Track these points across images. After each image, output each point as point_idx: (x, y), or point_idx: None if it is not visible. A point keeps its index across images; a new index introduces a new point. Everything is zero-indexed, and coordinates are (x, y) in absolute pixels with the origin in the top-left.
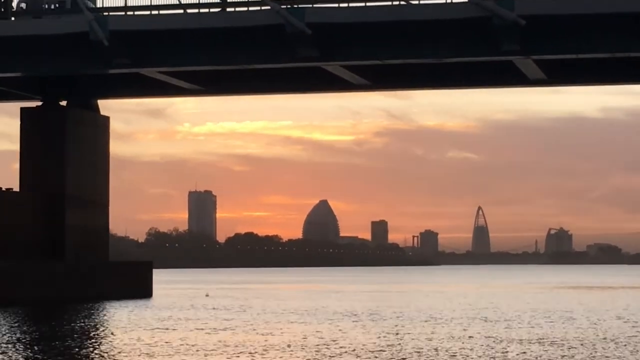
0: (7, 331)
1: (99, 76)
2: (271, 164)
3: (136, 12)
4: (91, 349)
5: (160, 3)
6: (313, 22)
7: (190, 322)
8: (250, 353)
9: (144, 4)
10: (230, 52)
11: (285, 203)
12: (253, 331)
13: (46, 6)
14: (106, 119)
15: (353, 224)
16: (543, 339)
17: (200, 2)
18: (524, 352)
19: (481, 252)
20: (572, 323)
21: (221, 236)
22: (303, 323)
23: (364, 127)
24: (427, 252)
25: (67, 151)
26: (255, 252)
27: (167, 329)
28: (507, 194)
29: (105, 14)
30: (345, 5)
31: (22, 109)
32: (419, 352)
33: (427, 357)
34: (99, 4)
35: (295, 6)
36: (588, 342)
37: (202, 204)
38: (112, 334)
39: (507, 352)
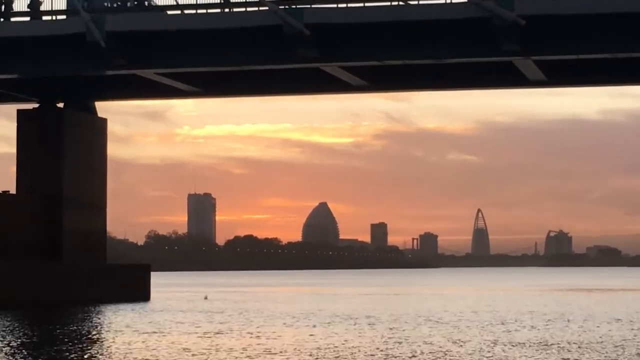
0: (0, 334)
1: (96, 78)
2: (270, 166)
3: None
4: (82, 353)
5: (158, 4)
6: (311, 22)
7: (185, 325)
8: (243, 357)
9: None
10: (228, 53)
11: (285, 206)
12: (248, 335)
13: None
14: (104, 121)
15: (352, 226)
16: (542, 342)
17: (198, 2)
18: (523, 356)
19: (481, 254)
20: (572, 326)
21: (220, 239)
22: (299, 326)
23: (363, 129)
24: (426, 255)
25: (64, 153)
26: (254, 254)
27: (162, 332)
28: (507, 196)
29: (102, 14)
30: (344, 5)
31: (18, 111)
32: (416, 356)
33: None
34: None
35: (294, 7)
36: (588, 345)
37: (201, 207)
38: (105, 337)
39: (506, 356)
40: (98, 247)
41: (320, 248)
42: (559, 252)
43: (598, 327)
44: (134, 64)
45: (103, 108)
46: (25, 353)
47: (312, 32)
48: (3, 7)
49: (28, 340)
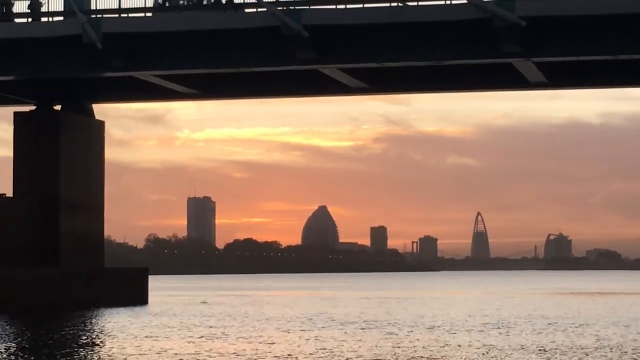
0: None
1: (93, 80)
2: (270, 170)
3: (130, 14)
4: (73, 357)
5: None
6: (310, 24)
7: (182, 330)
8: None
9: (139, 6)
10: (226, 54)
11: (285, 209)
12: (242, 339)
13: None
14: (101, 123)
15: (352, 229)
16: (543, 347)
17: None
18: None
19: (480, 257)
20: (573, 330)
21: (220, 242)
22: (297, 330)
23: (362, 133)
24: (426, 258)
25: (61, 155)
26: (254, 258)
27: (156, 337)
28: (506, 199)
29: (99, 16)
30: (343, 6)
31: (15, 113)
32: None
33: None
34: (92, 7)
35: (292, 8)
36: (589, 349)
37: (201, 210)
38: (98, 341)
39: None
40: (95, 250)
41: (320, 251)
42: (558, 256)
43: (600, 330)
44: (130, 66)
45: (103, 112)
46: (19, 358)
47: (311, 34)
48: (4, 8)
49: (22, 345)
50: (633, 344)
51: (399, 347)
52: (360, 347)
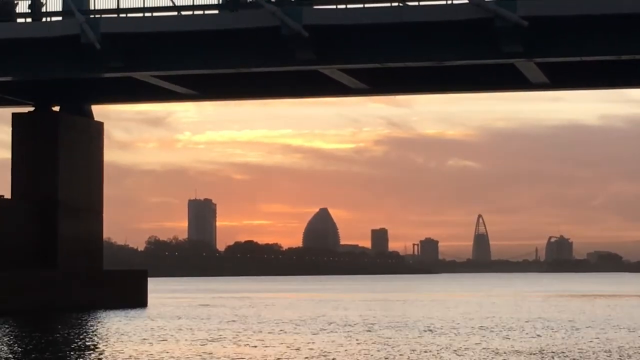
0: None
1: (92, 81)
2: (271, 172)
3: (129, 15)
4: None
5: (153, 5)
6: (310, 24)
7: (179, 332)
8: None
9: (137, 6)
10: (225, 55)
11: (285, 211)
12: (242, 342)
13: None
14: (100, 125)
15: (353, 232)
16: (544, 350)
17: (195, 4)
18: None
19: (481, 260)
20: (575, 333)
21: (221, 244)
22: (296, 333)
23: (364, 135)
24: (427, 260)
25: (60, 157)
26: (255, 260)
27: (153, 340)
28: (508, 202)
29: (97, 16)
30: (343, 6)
31: (13, 114)
32: None
33: None
34: (90, 7)
35: (292, 8)
36: (591, 352)
37: (202, 213)
38: (95, 345)
39: None
40: (94, 252)
41: (321, 254)
42: (559, 258)
43: (601, 333)
44: (129, 67)
45: (104, 114)
46: None
47: (311, 34)
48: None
49: (18, 348)
50: (635, 347)
51: (398, 350)
52: (359, 350)
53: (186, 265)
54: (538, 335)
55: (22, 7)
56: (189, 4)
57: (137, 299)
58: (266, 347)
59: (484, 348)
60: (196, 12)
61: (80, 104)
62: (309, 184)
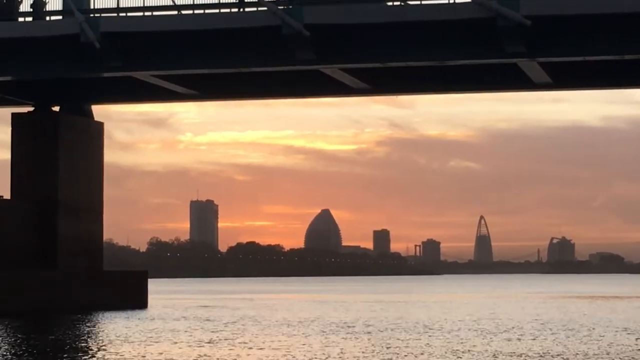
0: None
1: (92, 81)
2: (273, 173)
3: (129, 14)
4: None
5: (153, 4)
6: (311, 23)
7: (178, 334)
8: None
9: (137, 5)
10: (225, 54)
11: (287, 212)
12: (239, 344)
13: None
14: (100, 125)
15: (355, 233)
16: (546, 352)
17: (195, 3)
18: None
19: (483, 261)
20: (577, 334)
21: (223, 246)
22: (295, 335)
23: (366, 136)
24: (429, 262)
25: (59, 157)
26: (256, 261)
27: (152, 341)
28: (509, 203)
29: (97, 15)
30: (345, 5)
31: (13, 114)
32: None
33: None
34: (90, 6)
35: (293, 7)
36: (592, 354)
37: (203, 214)
38: (93, 346)
39: None
40: (94, 252)
41: (323, 255)
42: (561, 259)
43: (604, 335)
44: (129, 66)
45: (106, 115)
46: None
47: (312, 33)
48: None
49: (15, 350)
50: (636, 350)
51: (398, 352)
52: (358, 351)
53: (188, 267)
54: (540, 337)
55: (24, 6)
56: (189, 3)
57: (137, 300)
58: (265, 348)
59: (485, 350)
60: (196, 11)
61: (80, 104)
62: (311, 185)
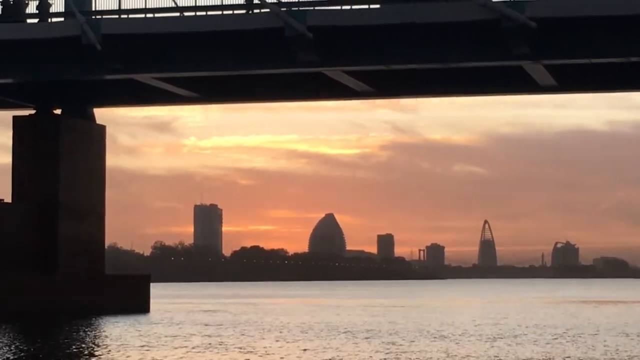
0: None
1: (94, 83)
2: (277, 177)
3: (130, 16)
4: None
5: (155, 6)
6: (314, 25)
7: (178, 339)
8: None
9: (139, 7)
10: (227, 57)
11: (291, 217)
12: (238, 349)
13: None
14: (102, 128)
15: (359, 237)
16: (551, 357)
17: (197, 4)
18: None
19: (488, 265)
20: (582, 340)
21: (227, 250)
22: (296, 340)
23: (369, 140)
24: (433, 266)
25: (61, 160)
26: (260, 265)
27: (151, 346)
28: (514, 207)
29: (99, 17)
30: (348, 7)
31: (14, 117)
32: None
33: None
34: (91, 7)
35: (296, 9)
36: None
37: (207, 218)
38: (91, 351)
39: None
40: (96, 256)
41: (327, 259)
42: (565, 264)
43: (609, 341)
44: (130, 68)
45: (111, 119)
46: None
47: (315, 35)
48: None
49: (9, 355)
50: None
51: (400, 357)
52: (360, 357)
53: (192, 271)
54: (544, 342)
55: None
56: (191, 4)
57: (139, 304)
58: (267, 354)
59: (489, 355)
60: (199, 13)
61: (81, 107)
62: (315, 190)
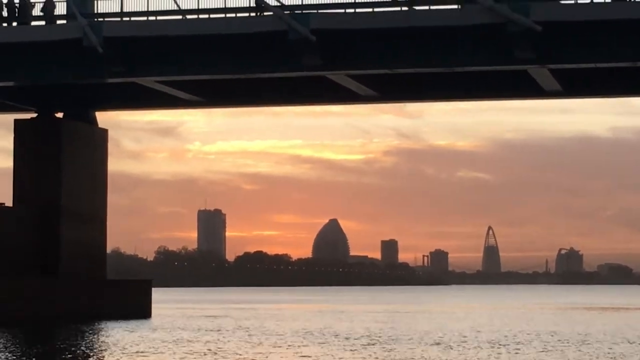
0: None
1: (96, 87)
2: (281, 182)
3: (132, 18)
4: None
5: (157, 8)
6: (318, 28)
7: (177, 345)
8: None
9: (141, 9)
10: (230, 60)
11: (295, 222)
12: (236, 355)
13: None
14: (104, 132)
15: (363, 243)
16: None
17: (200, 7)
18: None
19: (491, 271)
20: (586, 346)
21: (230, 255)
22: (296, 346)
23: (374, 146)
24: (437, 272)
25: (62, 165)
26: (264, 271)
27: (149, 352)
28: (518, 213)
29: (100, 19)
30: (352, 11)
31: (15, 120)
32: None
33: None
34: (93, 10)
35: (299, 12)
36: None
37: (211, 223)
38: (85, 356)
39: None
40: (97, 260)
41: (331, 265)
42: (569, 270)
43: (613, 348)
44: (132, 72)
45: (114, 124)
46: None
47: (318, 39)
48: (17, 11)
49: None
50: None
51: None
52: None
53: (195, 276)
54: (548, 349)
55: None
56: (194, 7)
57: (140, 309)
58: None
59: None
60: (201, 16)
61: (83, 111)
62: (319, 195)
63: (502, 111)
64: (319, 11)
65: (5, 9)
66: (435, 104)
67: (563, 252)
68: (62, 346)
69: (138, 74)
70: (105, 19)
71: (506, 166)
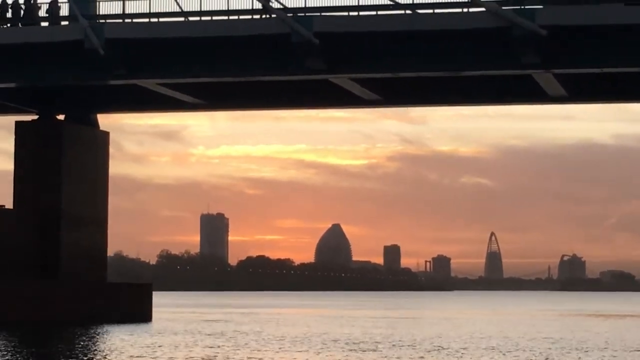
0: None
1: (97, 89)
2: (284, 187)
3: (134, 20)
4: None
5: (160, 10)
6: (321, 31)
7: (175, 349)
8: None
9: (143, 11)
10: (233, 63)
11: (298, 227)
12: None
13: None
14: (106, 134)
15: (365, 248)
16: None
17: (202, 9)
18: None
19: (494, 277)
20: (588, 354)
21: (233, 259)
22: (293, 351)
23: (377, 151)
24: (439, 277)
25: (63, 167)
26: (267, 275)
27: (146, 356)
28: (520, 220)
29: (102, 21)
30: (356, 14)
31: (16, 122)
32: None
33: None
34: (95, 11)
35: (302, 15)
36: None
37: (214, 227)
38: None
39: None
40: (98, 263)
41: (333, 269)
42: (572, 277)
43: (617, 355)
44: (134, 74)
45: (117, 127)
46: None
47: (322, 42)
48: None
49: None
50: None
51: None
52: None
53: (197, 280)
54: (550, 356)
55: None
56: (196, 9)
57: (141, 313)
58: None
59: None
60: (204, 18)
61: (84, 113)
62: (322, 200)
63: (505, 117)
64: (322, 14)
65: (9, 10)
66: (438, 109)
67: (566, 258)
68: (59, 349)
69: (140, 76)
70: (107, 21)
71: (509, 172)
